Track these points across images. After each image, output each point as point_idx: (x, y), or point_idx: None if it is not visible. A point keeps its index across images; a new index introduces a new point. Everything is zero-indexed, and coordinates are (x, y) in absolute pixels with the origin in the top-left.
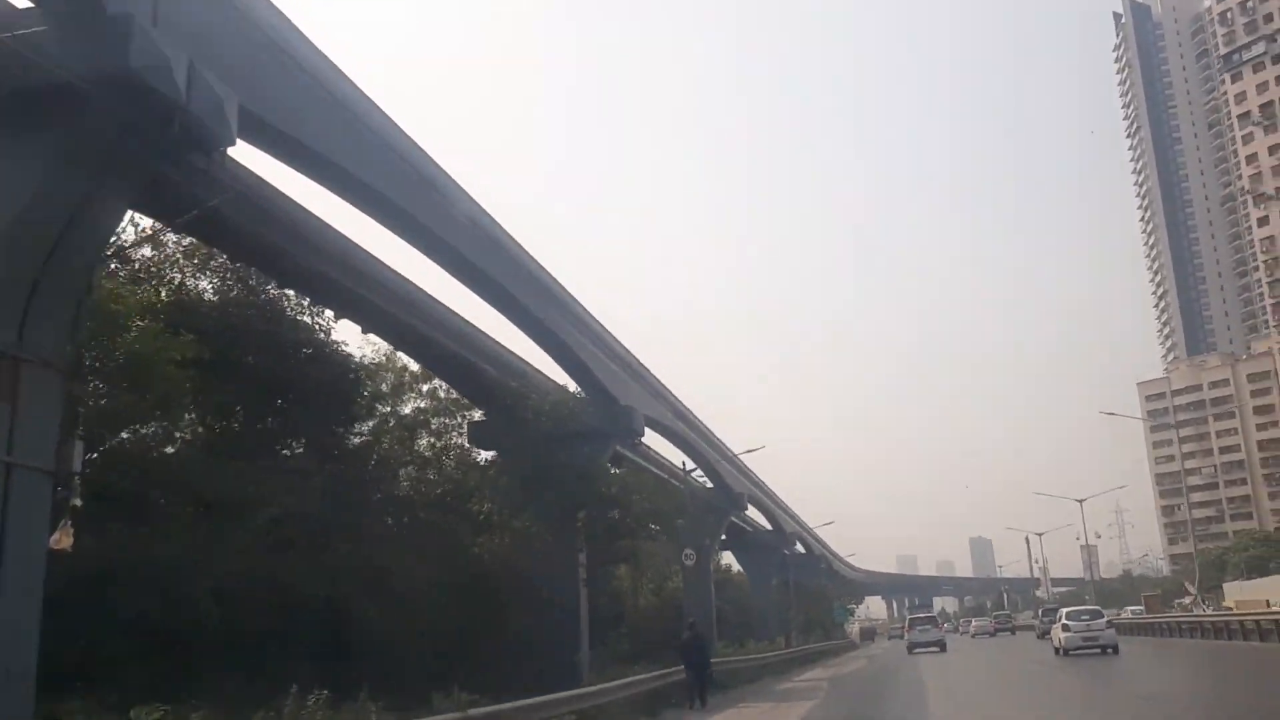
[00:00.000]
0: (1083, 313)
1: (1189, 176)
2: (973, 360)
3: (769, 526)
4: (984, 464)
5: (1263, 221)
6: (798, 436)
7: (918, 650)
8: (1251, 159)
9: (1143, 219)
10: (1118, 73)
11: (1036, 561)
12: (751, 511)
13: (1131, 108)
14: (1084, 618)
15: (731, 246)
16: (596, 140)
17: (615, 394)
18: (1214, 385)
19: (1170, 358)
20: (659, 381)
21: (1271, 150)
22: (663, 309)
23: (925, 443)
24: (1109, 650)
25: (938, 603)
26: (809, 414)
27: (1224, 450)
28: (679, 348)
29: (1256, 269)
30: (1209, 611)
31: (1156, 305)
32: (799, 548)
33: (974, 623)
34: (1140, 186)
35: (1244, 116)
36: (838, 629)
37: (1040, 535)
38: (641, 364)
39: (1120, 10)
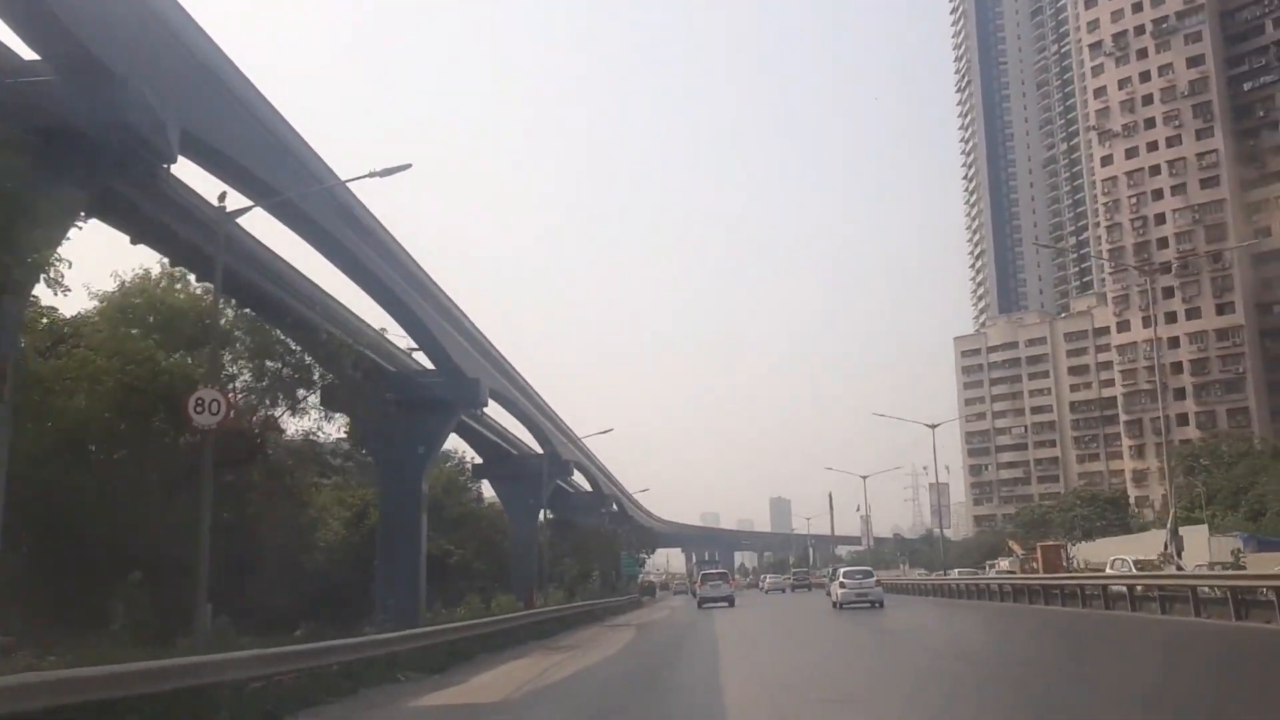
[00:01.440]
0: (904, 272)
1: (1014, 136)
2: (791, 320)
3: (538, 449)
4: (794, 424)
5: (1106, 160)
6: (602, 379)
7: (707, 605)
8: (1100, 92)
9: (966, 176)
10: (952, 24)
11: (863, 515)
12: (520, 433)
13: (964, 60)
14: (858, 576)
15: (553, 204)
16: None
17: None
18: (1031, 343)
19: (982, 320)
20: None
21: (1121, 84)
22: (483, 261)
23: (734, 404)
24: (876, 605)
25: (738, 557)
26: (626, 368)
27: (1036, 410)
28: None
29: (1073, 234)
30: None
31: (973, 265)
32: (577, 476)
33: (768, 579)
34: (966, 144)
35: (1095, 46)
36: (631, 582)
37: (866, 478)
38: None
39: None
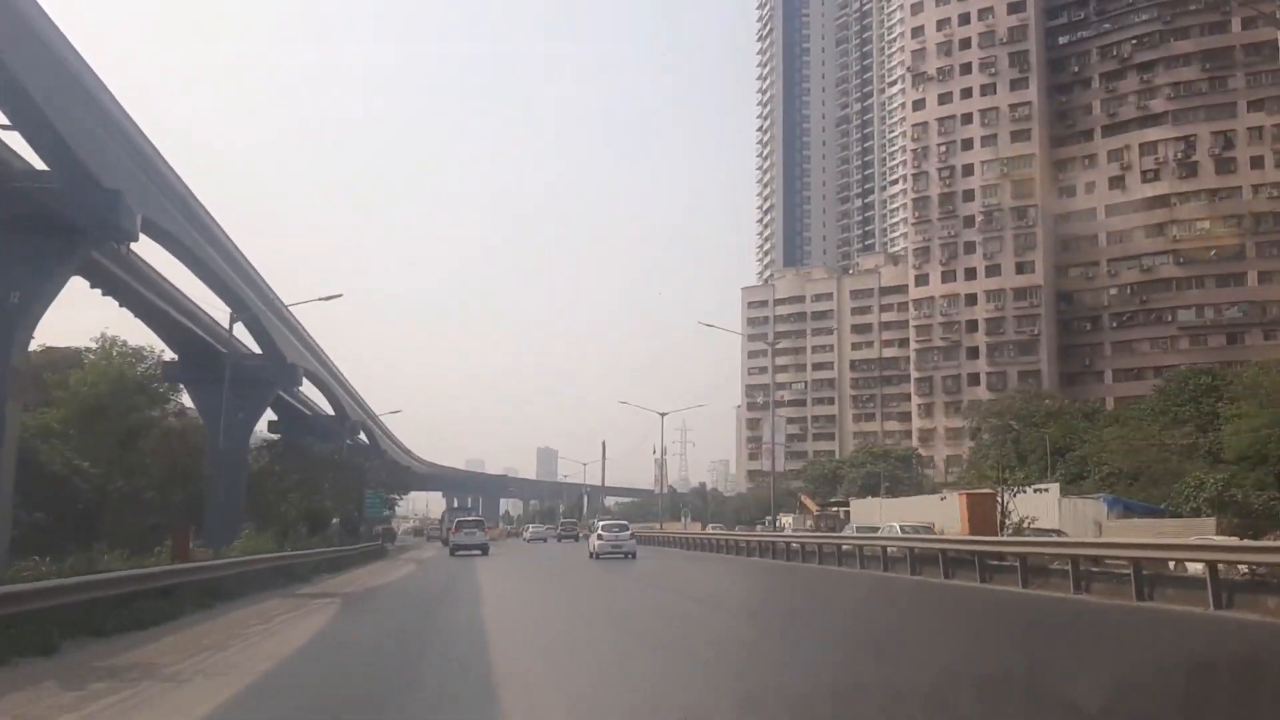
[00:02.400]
0: (692, 225)
1: (811, 92)
2: (572, 271)
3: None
4: (568, 375)
5: (919, 105)
6: (370, 317)
7: (461, 553)
8: (918, 32)
9: (761, 129)
10: None
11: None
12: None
13: (767, 8)
14: (614, 530)
15: (332, 124)
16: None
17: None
18: (817, 298)
19: (766, 275)
20: None
21: (940, 24)
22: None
23: (507, 353)
24: (629, 556)
25: (504, 505)
26: (394, 309)
27: (817, 367)
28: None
29: (859, 195)
30: None
31: (761, 220)
32: (314, 394)
33: (530, 528)
34: (764, 94)
35: None
36: (379, 525)
37: (664, 415)
38: None
39: None
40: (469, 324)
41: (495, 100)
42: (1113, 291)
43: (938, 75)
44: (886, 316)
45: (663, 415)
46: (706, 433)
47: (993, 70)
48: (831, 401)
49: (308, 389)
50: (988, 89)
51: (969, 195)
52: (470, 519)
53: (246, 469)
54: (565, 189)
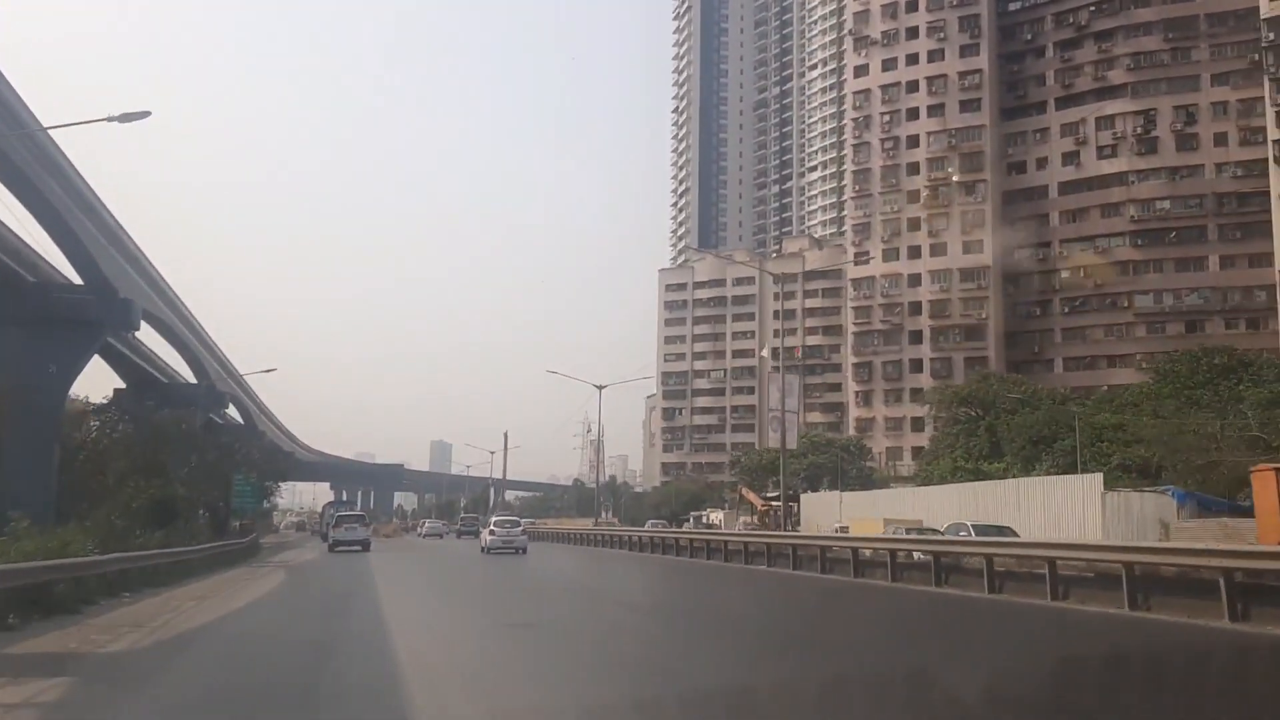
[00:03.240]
0: (607, 209)
1: (728, 74)
2: (480, 257)
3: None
4: (471, 365)
5: (861, 71)
6: (263, 301)
7: (340, 549)
8: None
9: (677, 110)
10: None
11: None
12: None
13: None
14: (506, 525)
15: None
16: None
17: None
18: (739, 282)
19: (680, 260)
20: None
21: None
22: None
23: (406, 342)
24: (520, 551)
25: (398, 498)
26: (288, 293)
27: (737, 354)
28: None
29: (777, 181)
30: None
31: (675, 204)
32: (162, 347)
33: (426, 523)
34: (680, 74)
35: None
36: (257, 519)
37: (602, 389)
38: None
39: None
40: (363, 307)
41: (404, 72)
42: (1065, 274)
43: (882, 39)
44: (811, 303)
45: (600, 388)
46: (608, 427)
47: (941, 35)
48: (751, 391)
49: (164, 350)
50: (935, 55)
51: (914, 168)
52: (351, 513)
53: (57, 440)
54: (470, 166)
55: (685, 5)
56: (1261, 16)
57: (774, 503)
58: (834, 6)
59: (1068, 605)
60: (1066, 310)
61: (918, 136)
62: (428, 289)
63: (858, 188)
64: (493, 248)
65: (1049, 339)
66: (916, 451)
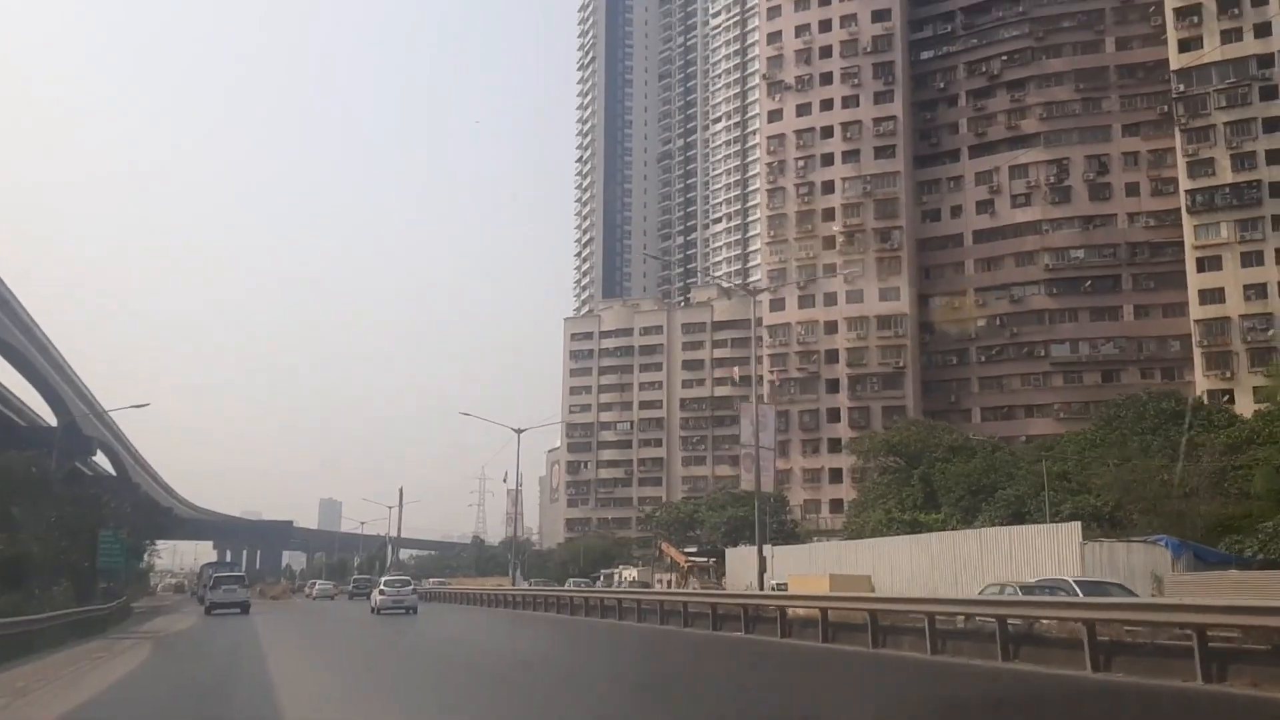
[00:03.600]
0: (507, 261)
1: (633, 124)
2: (376, 303)
3: None
4: (361, 422)
5: (775, 115)
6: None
7: (218, 611)
8: (774, 38)
9: (580, 159)
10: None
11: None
12: None
13: (590, 35)
14: (396, 585)
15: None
16: None
17: None
18: (646, 331)
19: (584, 311)
20: None
21: (799, 30)
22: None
23: (297, 398)
24: (410, 611)
25: (286, 557)
26: (172, 344)
27: (645, 405)
28: None
29: (681, 233)
30: None
31: (579, 254)
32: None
33: (317, 584)
34: (584, 124)
35: None
36: (129, 581)
37: (521, 432)
38: None
39: None
40: (249, 362)
41: (299, 126)
42: (980, 323)
43: (796, 85)
44: (720, 353)
45: (519, 432)
46: (502, 483)
47: (855, 81)
48: (659, 443)
49: (21, 389)
50: (850, 101)
51: (829, 214)
52: (229, 575)
53: None
54: (365, 218)
55: (590, 56)
56: (1171, 68)
57: (696, 558)
58: (738, 61)
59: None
60: (983, 359)
61: (832, 182)
62: (318, 344)
63: (772, 233)
64: (386, 304)
65: (966, 388)
66: (835, 504)
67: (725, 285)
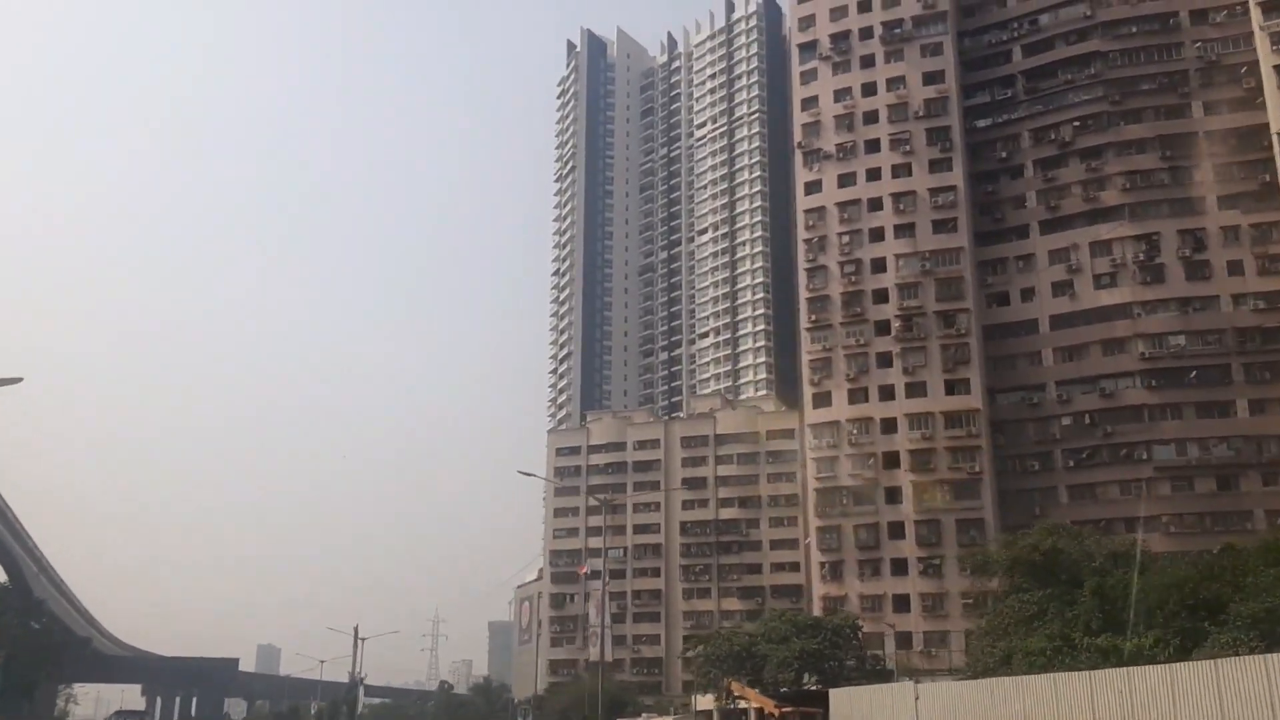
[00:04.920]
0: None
1: (614, 236)
2: (340, 432)
3: None
4: (308, 558)
5: (813, 188)
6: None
7: None
8: (810, 103)
9: (557, 272)
10: (559, 109)
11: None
12: None
13: (569, 146)
14: None
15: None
16: None
17: None
18: (641, 445)
19: (563, 427)
20: None
21: (838, 95)
22: None
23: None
24: None
25: (228, 704)
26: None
27: (640, 529)
28: None
29: (665, 349)
30: None
31: (555, 371)
32: None
33: None
34: (561, 236)
35: (808, 47)
36: None
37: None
38: None
39: (576, 42)
40: (189, 504)
41: (259, 249)
42: (1065, 421)
43: (837, 153)
44: (724, 470)
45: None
46: (450, 631)
47: (907, 148)
48: (657, 573)
49: None
50: (901, 170)
51: (881, 295)
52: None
53: None
54: (319, 350)
55: (569, 167)
56: (1273, 131)
57: (784, 708)
58: (725, 171)
59: None
60: (1071, 464)
61: (884, 259)
62: (261, 488)
63: (814, 317)
64: (338, 438)
65: (1052, 498)
66: (902, 638)
67: (727, 396)
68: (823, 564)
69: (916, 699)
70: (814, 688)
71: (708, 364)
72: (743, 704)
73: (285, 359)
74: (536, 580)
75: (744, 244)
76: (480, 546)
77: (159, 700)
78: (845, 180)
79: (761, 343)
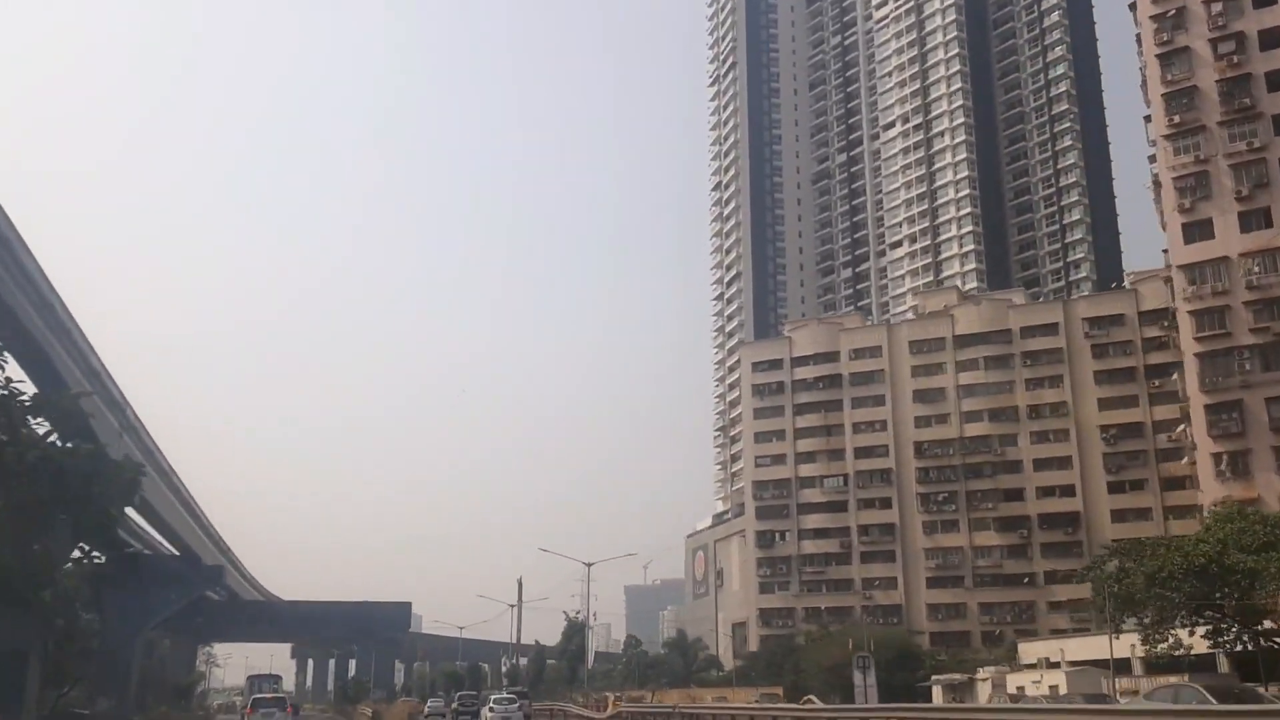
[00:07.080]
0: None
1: (782, 140)
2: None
3: None
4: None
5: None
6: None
7: None
8: None
9: (718, 185)
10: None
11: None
12: None
13: (728, 40)
14: (504, 703)
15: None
16: None
17: None
18: (857, 354)
19: (731, 359)
20: None
21: None
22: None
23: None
24: None
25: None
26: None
27: (862, 453)
28: None
29: (848, 265)
30: None
31: (721, 295)
32: None
33: (429, 702)
34: (723, 144)
35: None
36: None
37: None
38: None
39: None
40: (344, 456)
41: (403, 211)
42: None
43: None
44: (967, 377)
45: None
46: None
47: None
48: (889, 503)
49: None
50: None
51: (1276, 81)
52: (269, 696)
53: None
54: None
55: (728, 65)
56: None
57: None
58: (914, 54)
59: None
60: None
61: (1278, 29)
62: (407, 455)
63: (1175, 119)
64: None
65: None
66: None
67: (963, 289)
68: (1217, 456)
69: None
70: None
71: (902, 276)
72: None
73: (448, 332)
74: (709, 528)
75: (942, 134)
76: (620, 513)
77: (310, 662)
78: None
79: (970, 246)
